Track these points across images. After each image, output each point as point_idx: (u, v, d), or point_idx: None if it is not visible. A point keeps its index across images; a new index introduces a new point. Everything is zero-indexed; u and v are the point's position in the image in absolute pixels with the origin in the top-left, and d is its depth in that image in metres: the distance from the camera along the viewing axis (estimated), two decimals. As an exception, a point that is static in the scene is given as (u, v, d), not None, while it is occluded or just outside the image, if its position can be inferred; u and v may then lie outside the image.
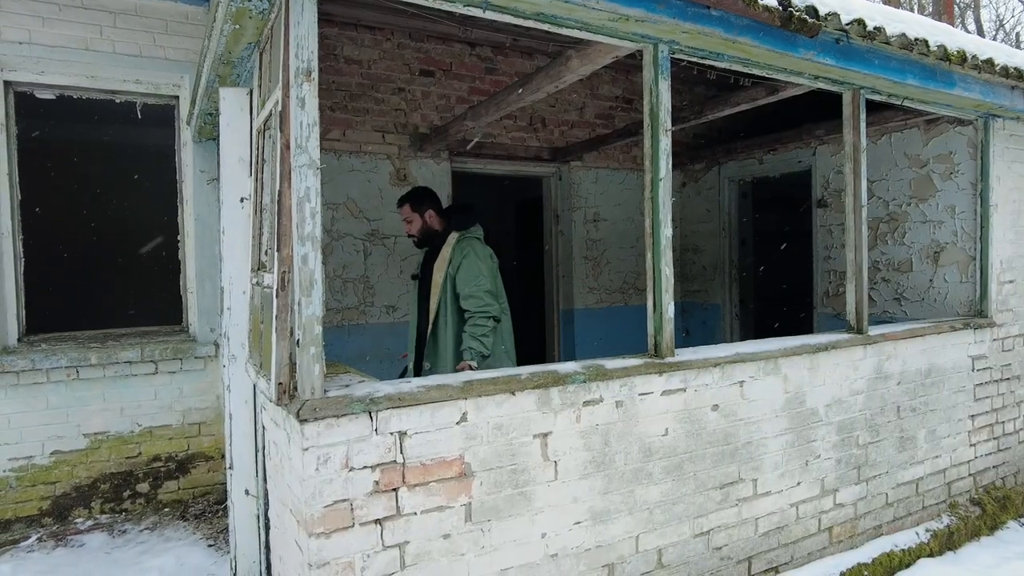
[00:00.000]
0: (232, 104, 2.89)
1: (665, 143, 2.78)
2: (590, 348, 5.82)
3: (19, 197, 4.22)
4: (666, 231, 2.73)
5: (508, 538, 2.27)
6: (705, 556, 2.79)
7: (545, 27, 2.61)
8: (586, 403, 2.44)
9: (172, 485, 4.37)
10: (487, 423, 2.24)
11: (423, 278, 3.62)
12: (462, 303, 3.39)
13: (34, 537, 3.91)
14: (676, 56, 2.91)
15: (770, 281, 6.43)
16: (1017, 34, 17.58)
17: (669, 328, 2.69)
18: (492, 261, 3.60)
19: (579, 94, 6.12)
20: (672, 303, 2.70)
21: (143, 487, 4.31)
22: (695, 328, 6.53)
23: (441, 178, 5.31)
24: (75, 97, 4.39)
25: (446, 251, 3.50)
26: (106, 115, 4.59)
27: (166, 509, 4.27)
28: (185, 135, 4.60)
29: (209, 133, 4.36)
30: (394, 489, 2.08)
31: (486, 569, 2.23)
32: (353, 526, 2.01)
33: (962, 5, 17.38)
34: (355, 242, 4.95)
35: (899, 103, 3.76)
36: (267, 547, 2.72)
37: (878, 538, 3.51)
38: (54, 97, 4.35)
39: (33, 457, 4.06)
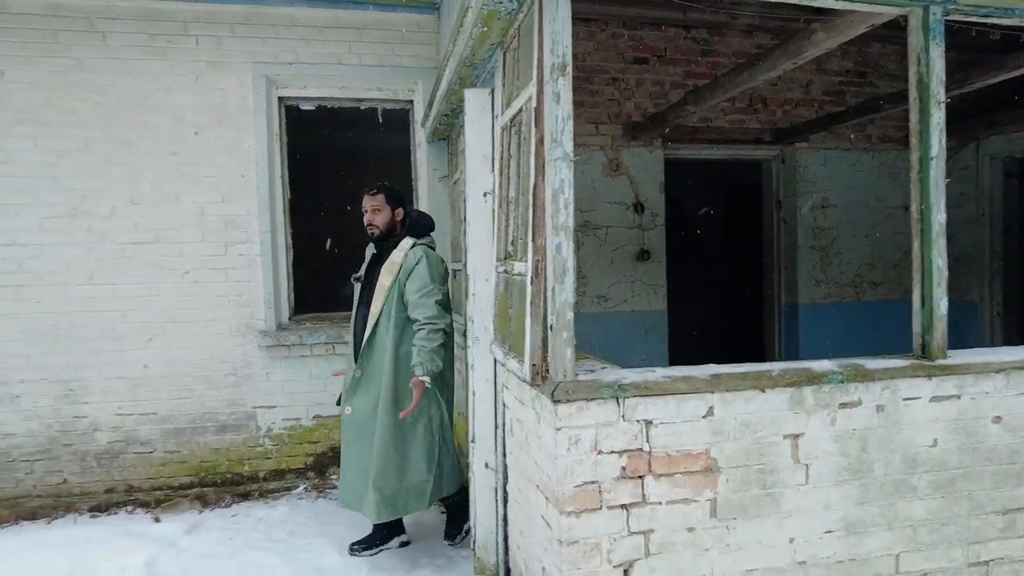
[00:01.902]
0: (475, 104, 3.08)
1: (938, 117, 2.48)
2: (817, 348, 5.37)
3: (288, 196, 4.92)
4: (939, 217, 2.43)
5: (754, 539, 2.19)
6: (980, 587, 2.45)
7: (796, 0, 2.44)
8: (842, 405, 2.26)
9: (407, 453, 4.84)
10: (734, 419, 2.17)
11: (366, 281, 3.46)
12: (410, 311, 3.23)
13: (301, 487, 4.57)
14: (951, 18, 2.57)
15: (1044, 275, 5.46)
16: None
17: (941, 327, 2.39)
18: (446, 272, 3.46)
19: (804, 70, 5.64)
20: (945, 298, 2.40)
21: (385, 452, 4.84)
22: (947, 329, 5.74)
23: (654, 166, 5.24)
24: (328, 107, 5.00)
25: (397, 255, 3.33)
26: (352, 121, 5.17)
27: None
28: (419, 136, 5.03)
29: (441, 134, 4.72)
30: (640, 477, 2.10)
31: (730, 567, 2.17)
32: (601, 508, 2.07)
33: None
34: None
35: None
36: (505, 519, 2.90)
37: None
38: (313, 108, 4.99)
39: (300, 419, 4.75)
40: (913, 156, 2.51)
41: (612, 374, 2.14)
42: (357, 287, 3.50)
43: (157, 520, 4.07)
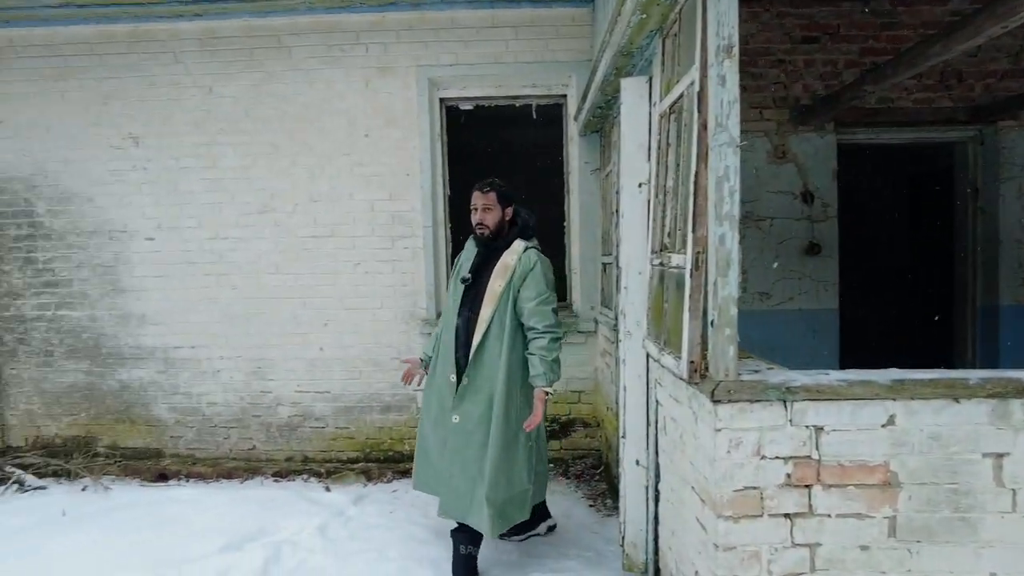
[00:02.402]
0: (632, 93, 3.03)
1: None
2: (1020, 358, 4.68)
3: (448, 193, 5.15)
4: None
5: (943, 567, 1.95)
6: None
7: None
8: (1061, 422, 1.94)
9: (555, 444, 4.90)
10: (920, 431, 1.94)
11: (473, 283, 3.19)
12: (527, 319, 3.06)
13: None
14: None
15: None
16: None
17: None
18: (554, 277, 3.26)
19: (1014, 36, 4.90)
20: None
21: (533, 442, 4.93)
22: None
23: (825, 152, 4.83)
24: (485, 105, 5.15)
25: (509, 258, 3.12)
26: (506, 118, 5.30)
27: (550, 465, 4.81)
28: (572, 130, 5.04)
29: (594, 126, 4.69)
30: (807, 486, 1.95)
31: (913, 595, 1.95)
32: (762, 516, 1.95)
33: None
34: (728, 225, 4.81)
35: None
36: (656, 518, 2.83)
37: None
38: (471, 107, 5.17)
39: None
40: None
41: (779, 375, 2.00)
42: (458, 287, 3.25)
43: (328, 489, 4.47)
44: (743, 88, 4.84)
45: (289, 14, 4.86)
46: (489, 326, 3.07)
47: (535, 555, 3.39)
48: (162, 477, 4.81)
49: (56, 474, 4.77)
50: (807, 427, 1.94)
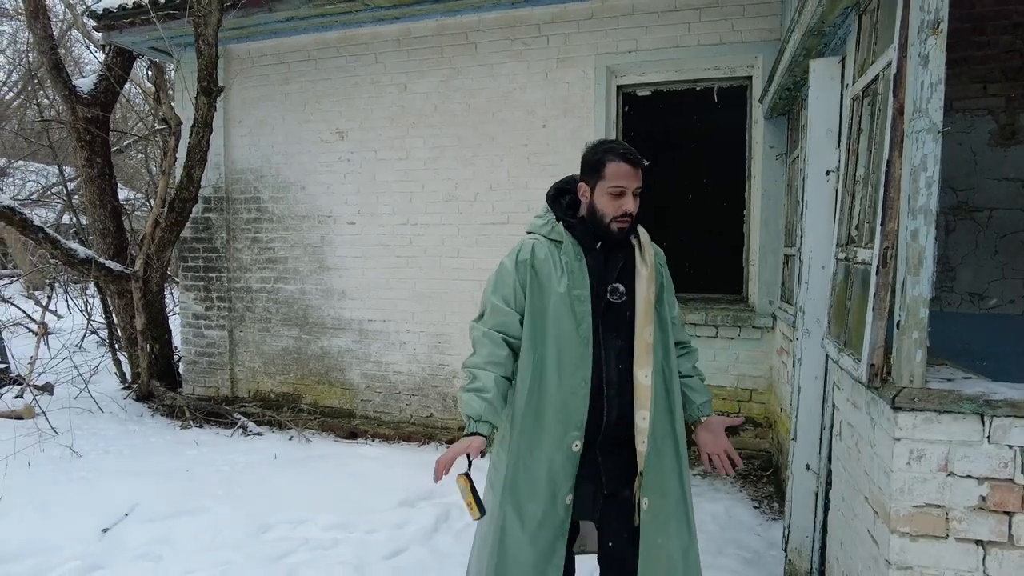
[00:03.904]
0: (822, 75, 2.83)
1: None
2: None
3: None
4: None
5: None
6: None
7: None
8: None
9: (721, 441, 4.73)
10: None
11: (623, 297, 2.05)
12: (676, 334, 2.18)
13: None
14: None
15: None
16: None
17: None
18: None
19: None
20: None
21: (698, 436, 4.82)
22: None
23: (1069, 133, 4.11)
24: (664, 91, 5.06)
25: (648, 251, 2.09)
26: (685, 102, 5.15)
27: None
28: (756, 113, 4.79)
29: (781, 109, 4.42)
30: (1007, 513, 1.74)
31: None
32: (947, 538, 1.77)
33: None
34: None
35: None
36: (823, 527, 2.67)
37: None
38: (650, 93, 5.10)
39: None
40: None
41: (977, 386, 1.79)
42: (576, 310, 2.01)
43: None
44: (963, 60, 4.29)
45: (476, 11, 5.14)
46: (654, 355, 2.03)
47: (693, 549, 3.34)
48: (352, 435, 5.42)
49: (270, 424, 5.57)
50: (1010, 447, 1.72)
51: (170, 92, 6.37)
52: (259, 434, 5.37)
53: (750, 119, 4.86)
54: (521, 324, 2.04)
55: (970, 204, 4.24)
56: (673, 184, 7.09)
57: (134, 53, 6.45)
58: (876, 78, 2.23)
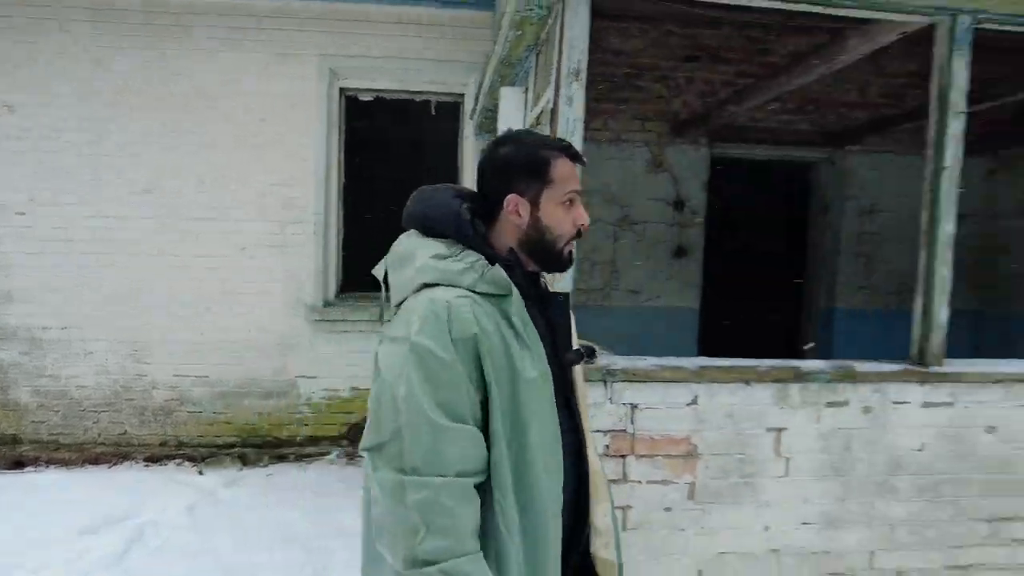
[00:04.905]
0: (509, 101, 3.26)
1: (955, 127, 2.48)
2: (850, 353, 5.30)
3: (342, 180, 5.22)
4: (947, 227, 2.45)
5: (729, 523, 2.30)
6: (966, 594, 2.48)
7: (817, 9, 2.50)
8: (829, 404, 2.33)
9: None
10: (718, 409, 2.28)
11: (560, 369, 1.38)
12: None
13: (334, 453, 4.89)
14: (984, 26, 2.56)
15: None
16: None
17: (940, 335, 2.42)
18: None
19: (861, 71, 5.51)
20: (945, 307, 2.42)
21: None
22: (989, 343, 5.54)
23: (698, 164, 5.28)
24: (386, 99, 5.26)
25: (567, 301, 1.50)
26: (405, 113, 5.42)
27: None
28: (467, 129, 5.24)
29: (487, 127, 4.92)
30: (622, 456, 2.24)
31: (704, 548, 2.29)
32: (583, 482, 2.23)
33: None
34: (605, 227, 5.16)
35: None
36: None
37: None
38: (372, 99, 5.27)
39: (339, 390, 5.06)
40: (927, 168, 2.53)
41: (603, 359, 2.28)
42: (544, 387, 1.28)
43: (201, 473, 4.48)
44: (627, 100, 5.25)
45: (186, -8, 4.78)
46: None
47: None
48: (18, 464, 4.61)
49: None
50: (624, 404, 2.23)
51: None
52: None
53: (462, 134, 5.31)
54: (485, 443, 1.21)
55: (631, 218, 5.20)
56: (398, 191, 7.34)
57: None
58: (543, 111, 2.68)
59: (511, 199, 1.32)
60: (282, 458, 4.68)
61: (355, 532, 3.43)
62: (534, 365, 1.25)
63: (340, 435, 5.07)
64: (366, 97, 5.24)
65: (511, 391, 1.22)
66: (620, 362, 2.26)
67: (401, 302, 1.31)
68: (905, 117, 4.81)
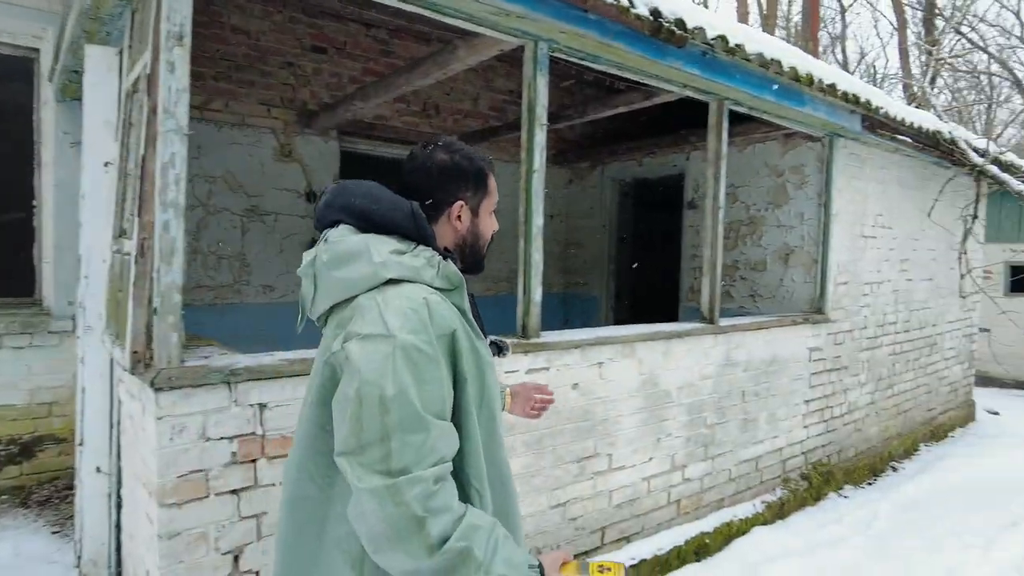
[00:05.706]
0: (99, 63, 2.74)
1: (540, 137, 2.93)
2: (474, 334, 5.94)
3: None
4: (537, 220, 2.89)
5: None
6: (561, 526, 2.98)
7: (429, 14, 2.67)
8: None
9: (13, 470, 4.05)
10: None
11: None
12: None
13: None
14: (556, 55, 3.06)
15: (644, 276, 6.83)
16: (873, 65, 19.60)
17: (536, 312, 2.85)
18: None
19: (474, 85, 6.21)
20: (539, 288, 2.86)
21: (-23, 472, 3.98)
22: (574, 318, 6.82)
23: (328, 157, 5.24)
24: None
25: None
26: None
27: (3, 497, 3.96)
28: (46, 92, 4.26)
29: (74, 92, 4.06)
30: (253, 460, 2.09)
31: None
32: (208, 496, 2.00)
33: (832, 36, 19.09)
34: (232, 217, 4.78)
35: (759, 116, 4.13)
36: (118, 527, 2.63)
37: (720, 510, 3.87)
38: None
39: None
40: (522, 168, 2.94)
41: (225, 359, 2.09)
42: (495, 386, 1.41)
43: None
44: (251, 83, 4.91)
45: None
46: None
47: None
48: None
49: None
50: (251, 405, 2.07)
51: None
52: None
53: (38, 98, 4.29)
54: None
55: (261, 209, 4.89)
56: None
57: None
58: (139, 76, 2.30)
59: (458, 205, 1.40)
60: None
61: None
62: (486, 351, 1.36)
63: None
64: None
65: (481, 383, 1.32)
66: (244, 360, 2.09)
67: (347, 300, 1.28)
68: (508, 128, 5.54)
